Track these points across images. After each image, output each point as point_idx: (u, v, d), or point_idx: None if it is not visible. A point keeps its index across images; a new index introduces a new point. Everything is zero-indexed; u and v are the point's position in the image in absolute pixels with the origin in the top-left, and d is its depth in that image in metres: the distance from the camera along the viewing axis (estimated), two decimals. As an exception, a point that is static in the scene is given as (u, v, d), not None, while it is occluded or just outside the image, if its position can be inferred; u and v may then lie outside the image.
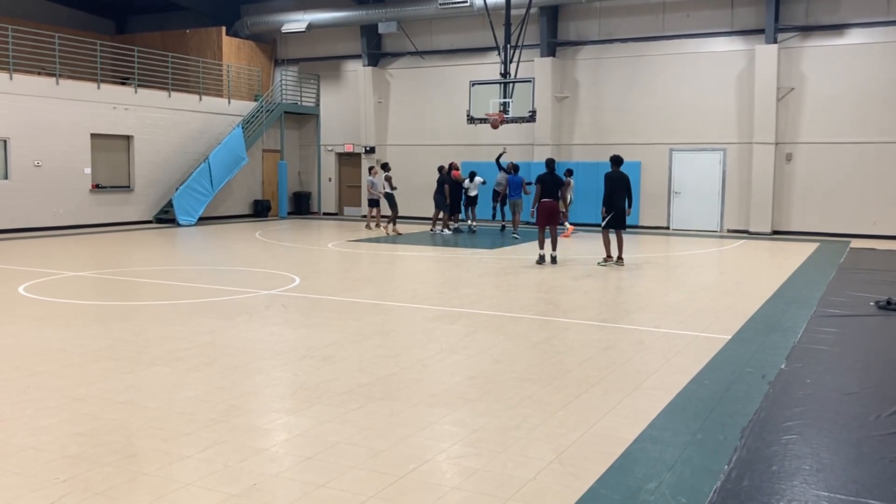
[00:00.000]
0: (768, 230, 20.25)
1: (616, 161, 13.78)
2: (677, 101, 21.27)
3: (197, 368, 6.41)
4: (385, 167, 20.22)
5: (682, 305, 9.73)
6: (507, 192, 19.56)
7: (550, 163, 13.97)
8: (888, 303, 9.46)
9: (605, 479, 4.19)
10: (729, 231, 20.95)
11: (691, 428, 5.01)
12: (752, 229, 20.45)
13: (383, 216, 20.93)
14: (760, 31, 20.03)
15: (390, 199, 19.67)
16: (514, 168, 19.73)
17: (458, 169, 20.19)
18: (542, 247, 13.89)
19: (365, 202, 22.36)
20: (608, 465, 4.38)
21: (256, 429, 4.95)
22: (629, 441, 4.75)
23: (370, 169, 21.41)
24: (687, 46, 21.09)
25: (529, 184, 19.21)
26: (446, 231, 19.74)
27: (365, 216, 21.99)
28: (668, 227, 21.63)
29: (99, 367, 6.42)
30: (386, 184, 19.85)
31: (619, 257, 13.63)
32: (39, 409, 5.29)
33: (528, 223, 21.15)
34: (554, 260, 13.84)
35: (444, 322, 8.50)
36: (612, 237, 13.75)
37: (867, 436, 4.92)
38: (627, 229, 19.01)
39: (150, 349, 7.11)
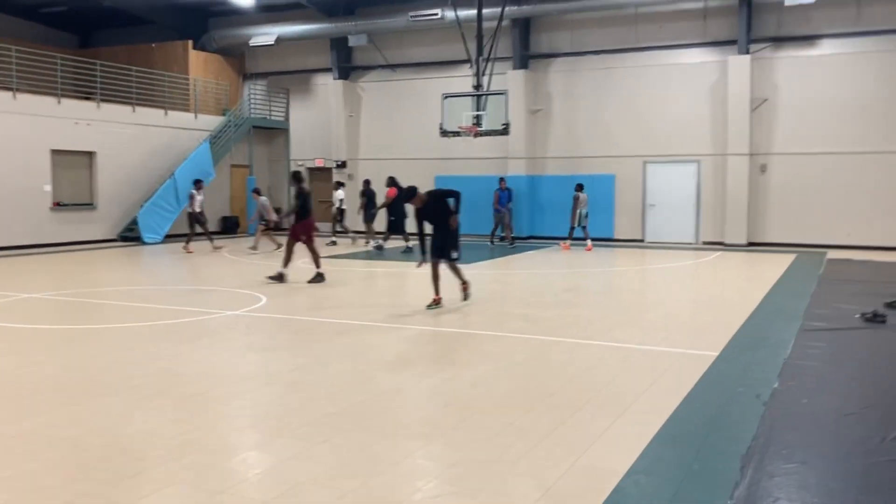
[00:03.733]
0: (744, 241, 20.10)
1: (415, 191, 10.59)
2: (651, 113, 21.10)
3: (150, 398, 5.92)
4: (340, 185, 21.53)
5: (664, 321, 9.40)
6: (497, 205, 20.24)
7: (297, 175, 13.56)
8: (874, 315, 9.20)
9: (597, 519, 3.79)
10: (704, 243, 20.76)
11: (686, 457, 4.63)
12: (727, 241, 20.28)
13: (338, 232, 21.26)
14: (733, 42, 19.95)
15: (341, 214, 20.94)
16: (502, 182, 20.41)
17: (396, 186, 18.96)
18: (285, 265, 12.58)
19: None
20: (600, 502, 3.97)
21: (213, 467, 4.48)
22: (621, 474, 4.35)
23: (340, 184, 21.66)
24: (660, 58, 20.96)
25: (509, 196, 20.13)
26: (371, 244, 19.45)
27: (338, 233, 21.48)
28: (642, 240, 21.40)
29: (42, 399, 5.90)
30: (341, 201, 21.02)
31: (463, 289, 10.69)
32: (-30, 449, 4.79)
33: (524, 237, 20.83)
34: (321, 277, 12.58)
35: (419, 343, 8.08)
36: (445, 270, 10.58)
37: (875, 462, 4.57)
38: (594, 242, 19.12)
39: (102, 377, 6.60)
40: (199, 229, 18.65)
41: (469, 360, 7.30)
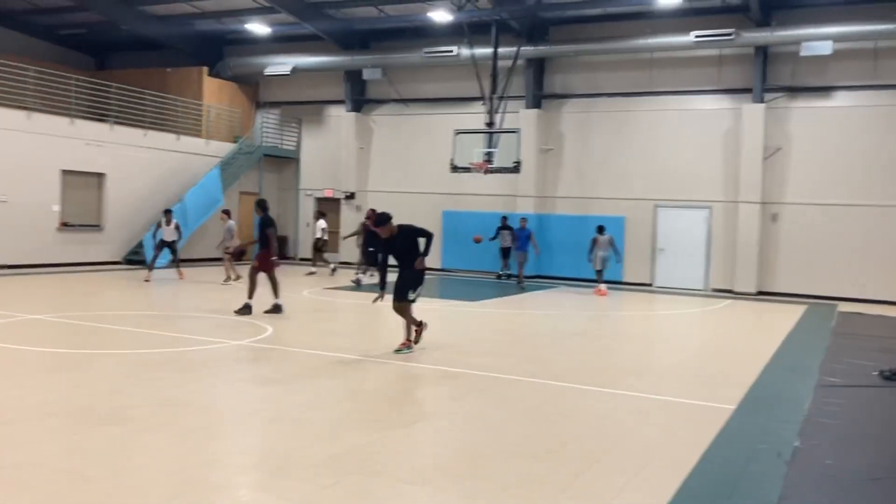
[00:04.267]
0: (753, 290, 19.90)
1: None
2: (663, 157, 21.05)
3: (152, 430, 5.72)
4: (321, 214, 21.11)
5: (677, 370, 9.19)
6: (515, 244, 19.72)
7: (262, 203, 13.04)
8: (893, 374, 8.99)
9: (620, 584, 3.58)
10: (713, 290, 20.57)
11: (711, 518, 4.42)
12: (736, 289, 20.08)
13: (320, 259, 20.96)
14: (748, 91, 19.96)
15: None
16: (524, 221, 19.98)
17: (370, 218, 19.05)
18: (250, 296, 12.32)
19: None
20: (622, 565, 3.77)
21: (213, 509, 4.28)
22: (643, 534, 4.15)
23: (321, 214, 21.18)
24: (674, 103, 20.96)
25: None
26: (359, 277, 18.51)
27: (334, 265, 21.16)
28: (651, 285, 21.22)
29: (39, 427, 5.71)
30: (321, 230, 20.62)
31: (415, 331, 9.76)
32: (-37, 478, 4.59)
33: (532, 276, 20.68)
34: (278, 308, 12.30)
35: (427, 382, 7.88)
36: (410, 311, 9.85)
37: (908, 532, 4.35)
38: (607, 285, 18.85)
39: (101, 405, 6.40)
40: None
41: (478, 402, 7.09)
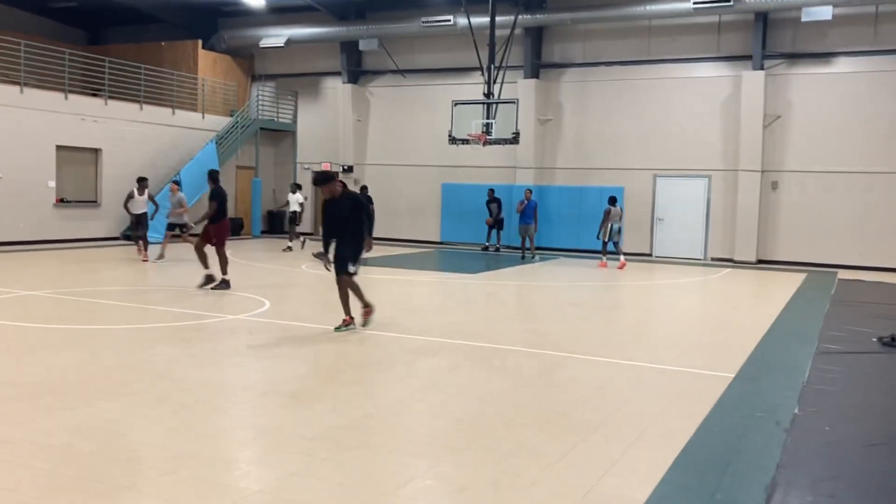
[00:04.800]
0: (753, 259, 19.85)
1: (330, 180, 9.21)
2: (662, 127, 20.89)
3: (147, 405, 5.70)
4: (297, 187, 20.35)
5: (676, 339, 9.17)
6: (521, 218, 19.18)
7: (212, 174, 12.44)
8: (893, 339, 8.96)
9: (617, 553, 3.56)
10: (713, 259, 20.52)
11: (709, 486, 4.40)
12: (736, 258, 20.04)
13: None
14: (747, 58, 19.75)
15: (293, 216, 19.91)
16: (529, 193, 19.40)
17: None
18: (206, 266, 12.06)
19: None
20: (619, 534, 3.75)
21: (208, 482, 4.26)
22: (640, 503, 4.12)
23: (297, 187, 20.30)
24: (673, 71, 20.76)
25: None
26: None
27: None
28: (650, 255, 21.17)
29: (35, 403, 5.68)
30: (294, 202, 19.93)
31: (364, 314, 9.07)
32: (-43, 455, 4.56)
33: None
34: (226, 284, 11.95)
35: (425, 354, 7.85)
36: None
37: (907, 498, 4.34)
38: (625, 255, 18.63)
39: (98, 381, 6.38)
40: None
41: (477, 374, 7.07)
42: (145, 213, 16.30)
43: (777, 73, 19.65)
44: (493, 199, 21.09)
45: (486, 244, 21.49)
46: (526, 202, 19.07)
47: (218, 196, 12.04)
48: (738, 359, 7.93)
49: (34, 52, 19.91)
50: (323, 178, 9.01)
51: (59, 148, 19.54)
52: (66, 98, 19.76)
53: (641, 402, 6.24)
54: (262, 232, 25.18)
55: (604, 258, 18.17)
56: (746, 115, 19.69)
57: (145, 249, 16.13)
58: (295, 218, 20.08)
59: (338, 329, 8.76)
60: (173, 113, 22.42)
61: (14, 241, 18.35)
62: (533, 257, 19.17)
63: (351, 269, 8.85)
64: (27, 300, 10.65)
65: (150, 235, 20.08)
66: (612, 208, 17.84)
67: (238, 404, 5.91)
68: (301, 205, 20.12)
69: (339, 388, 6.44)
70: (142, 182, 16.40)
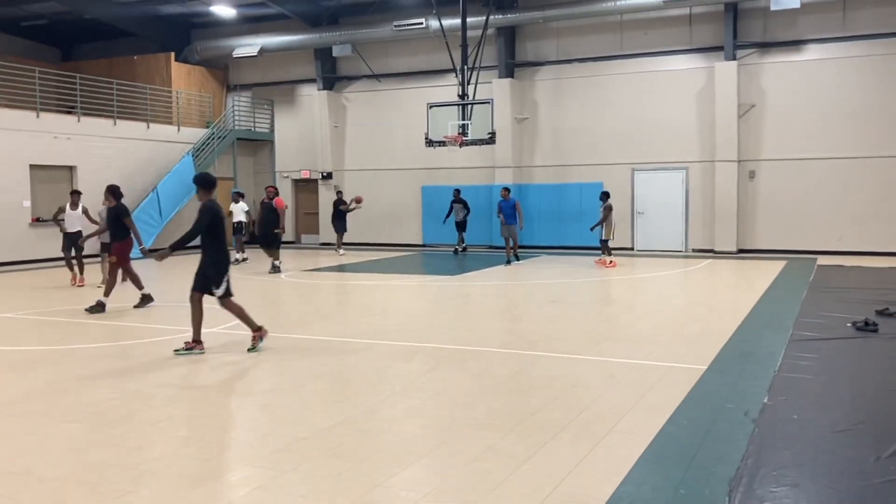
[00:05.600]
0: (734, 249, 19.94)
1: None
2: (638, 121, 20.96)
3: (112, 424, 5.64)
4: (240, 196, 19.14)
5: (652, 333, 9.18)
6: (502, 219, 18.02)
7: (113, 189, 11.65)
8: (866, 323, 9.01)
9: (576, 553, 3.55)
10: (694, 251, 20.59)
11: (673, 480, 4.40)
12: (717, 248, 20.11)
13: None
14: (719, 49, 19.85)
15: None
16: (506, 192, 18.19)
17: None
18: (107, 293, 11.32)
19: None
20: (580, 534, 3.74)
21: (169, 502, 4.22)
22: (603, 501, 4.12)
23: (240, 196, 19.04)
24: (646, 65, 20.83)
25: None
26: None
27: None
28: (632, 248, 21.22)
29: (4, 423, 5.63)
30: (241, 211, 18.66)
31: (254, 338, 8.34)
32: (-84, 484, 4.51)
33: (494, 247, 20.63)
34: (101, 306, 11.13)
35: (400, 359, 7.83)
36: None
37: (869, 483, 4.35)
38: (582, 251, 18.69)
39: (65, 401, 6.32)
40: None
41: (451, 377, 7.05)
42: (80, 232, 14.55)
43: (749, 62, 19.75)
44: (458, 200, 21.01)
45: (456, 247, 21.34)
46: (503, 202, 18.08)
47: (127, 213, 11.50)
48: (712, 350, 7.95)
49: (5, 72, 19.75)
50: (202, 182, 8.18)
51: (32, 167, 19.40)
52: (37, 116, 19.61)
53: (612, 398, 6.23)
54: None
55: (609, 257, 17.29)
56: (721, 105, 19.78)
57: (81, 273, 14.62)
58: (241, 228, 18.95)
59: (178, 352, 8.03)
60: (148, 127, 22.31)
61: (-9, 263, 18.18)
62: (517, 259, 18.19)
63: (216, 291, 8.02)
64: (3, 322, 10.54)
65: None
66: (611, 203, 17.17)
67: (204, 420, 5.86)
68: (247, 213, 19.06)
69: (309, 397, 6.40)
70: (74, 196, 14.67)
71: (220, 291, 8.06)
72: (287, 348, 8.42)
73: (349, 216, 21.12)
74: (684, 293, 13.53)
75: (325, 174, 24.68)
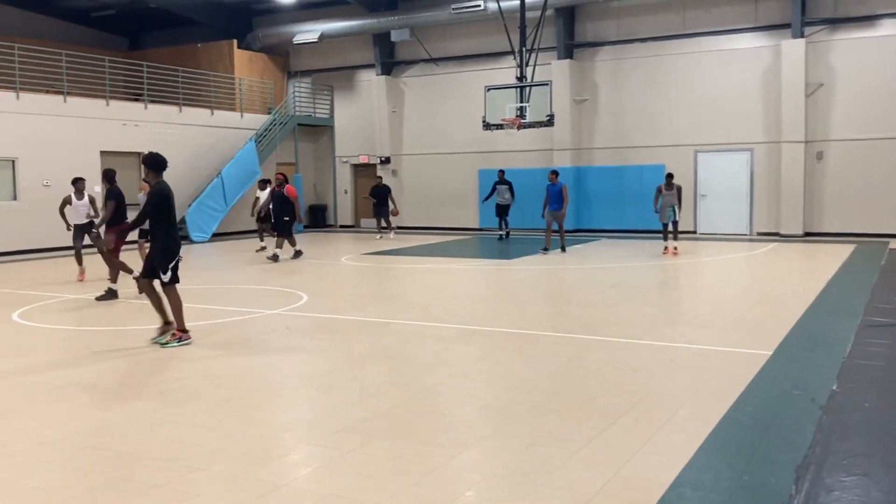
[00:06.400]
0: (800, 232, 19.40)
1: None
2: (701, 101, 20.50)
3: (181, 403, 5.82)
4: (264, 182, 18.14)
5: (714, 317, 9.02)
6: (548, 203, 16.57)
7: (108, 173, 11.44)
8: (942, 310, 8.68)
9: (638, 538, 3.53)
10: (759, 234, 20.12)
11: (736, 468, 4.33)
12: (783, 231, 19.61)
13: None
14: (786, 26, 19.23)
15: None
16: (554, 175, 16.72)
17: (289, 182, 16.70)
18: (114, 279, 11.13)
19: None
20: (642, 519, 3.72)
21: (236, 479, 4.34)
22: (664, 486, 4.08)
23: (266, 183, 17.98)
24: (709, 44, 20.34)
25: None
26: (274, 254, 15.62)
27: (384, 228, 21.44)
28: (694, 231, 20.84)
29: (73, 404, 5.86)
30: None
31: (160, 330, 8.01)
32: None
33: (572, 231, 20.50)
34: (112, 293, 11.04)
35: (457, 342, 7.87)
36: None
37: (945, 474, 4.21)
38: (646, 234, 18.35)
39: (134, 381, 6.55)
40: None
41: (508, 361, 7.06)
42: (91, 222, 12.98)
43: (818, 39, 19.10)
44: (502, 181, 19.79)
45: (500, 233, 20.32)
46: (550, 185, 16.52)
47: (115, 197, 10.97)
48: (778, 336, 7.77)
49: (76, 62, 20.38)
50: (151, 163, 7.98)
51: (103, 153, 20.02)
52: (107, 104, 20.21)
53: (674, 383, 6.16)
54: (305, 227, 25.45)
55: (674, 243, 16.18)
56: (787, 84, 19.20)
57: (79, 263, 13.40)
58: (269, 216, 16.92)
59: (166, 345, 7.74)
60: (212, 113, 22.77)
61: (63, 247, 18.78)
62: (562, 249, 16.53)
63: (162, 277, 7.80)
64: (74, 304, 10.93)
65: (194, 235, 20.20)
66: (663, 184, 16.03)
67: (269, 400, 6.00)
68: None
69: (369, 379, 6.49)
70: (77, 183, 13.10)
71: (166, 278, 7.79)
72: (346, 329, 8.54)
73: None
74: (748, 277, 13.25)
75: (383, 159, 24.84)
